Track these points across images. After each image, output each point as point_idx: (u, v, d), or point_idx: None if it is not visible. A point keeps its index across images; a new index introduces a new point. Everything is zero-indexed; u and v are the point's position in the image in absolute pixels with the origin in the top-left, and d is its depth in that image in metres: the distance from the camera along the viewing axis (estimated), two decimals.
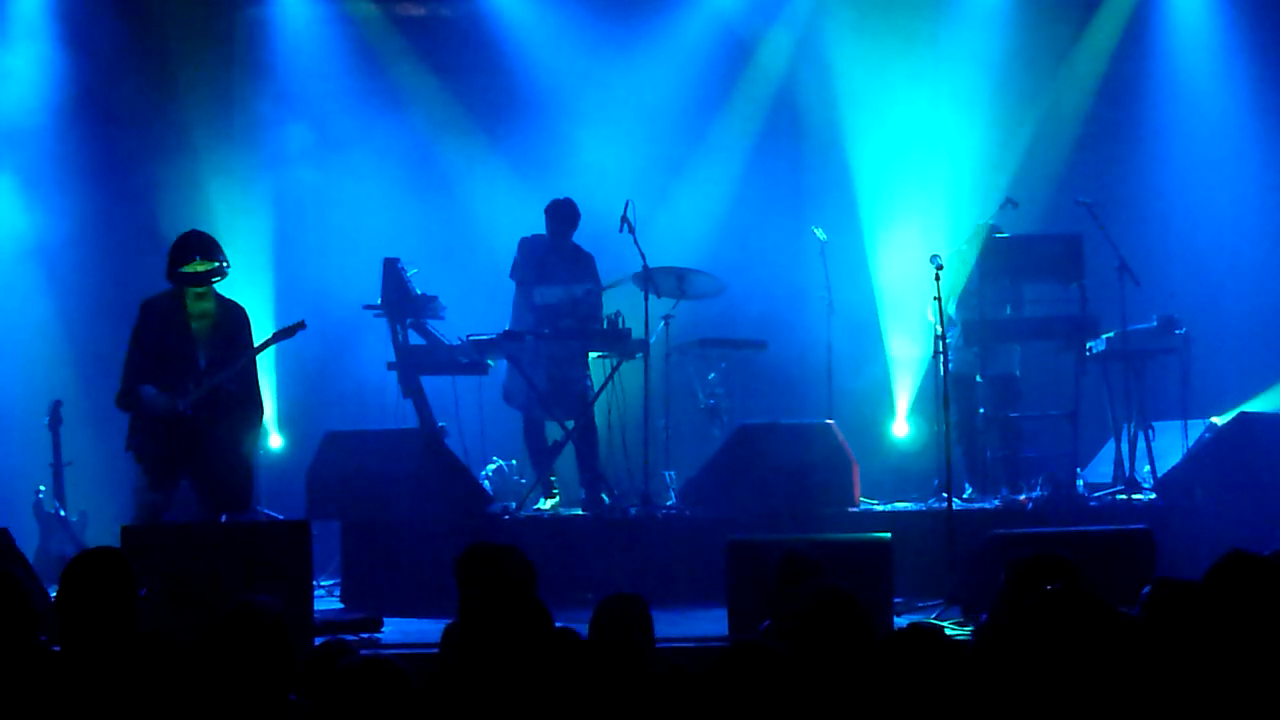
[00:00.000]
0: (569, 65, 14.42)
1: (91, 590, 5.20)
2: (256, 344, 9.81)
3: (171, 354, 9.59)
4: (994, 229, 11.82)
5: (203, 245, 9.64)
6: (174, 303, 9.69)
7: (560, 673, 4.70)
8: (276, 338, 9.92)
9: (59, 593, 5.27)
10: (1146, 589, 5.31)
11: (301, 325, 9.99)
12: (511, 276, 12.10)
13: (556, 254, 12.02)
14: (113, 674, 4.92)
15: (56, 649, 5.31)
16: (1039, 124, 14.03)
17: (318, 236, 14.17)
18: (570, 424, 11.76)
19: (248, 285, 13.36)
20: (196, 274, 9.59)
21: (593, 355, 11.85)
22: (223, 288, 9.81)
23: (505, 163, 14.23)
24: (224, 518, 9.53)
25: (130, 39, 13.87)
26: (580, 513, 11.54)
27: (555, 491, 11.94)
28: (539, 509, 11.67)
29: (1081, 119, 14.19)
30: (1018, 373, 12.04)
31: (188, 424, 9.49)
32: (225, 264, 9.68)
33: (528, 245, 12.09)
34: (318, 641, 7.34)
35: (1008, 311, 11.87)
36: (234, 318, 9.81)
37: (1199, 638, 4.90)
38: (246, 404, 9.73)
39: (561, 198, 12.14)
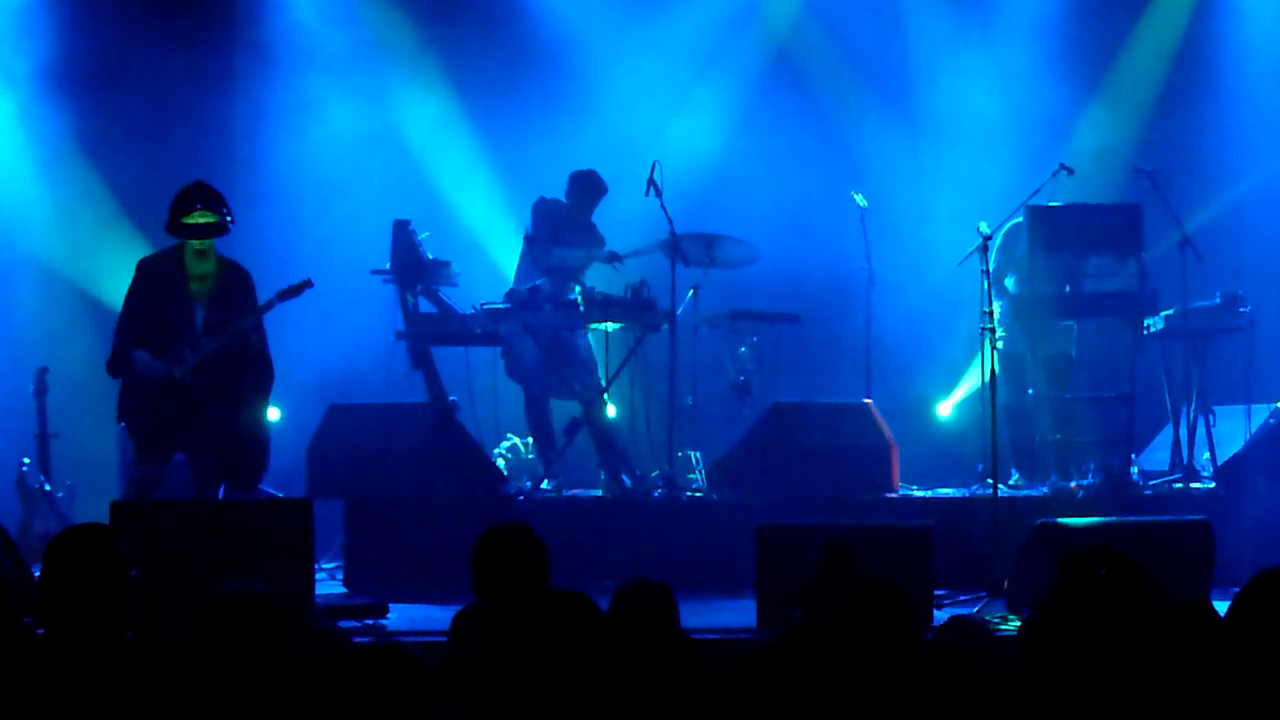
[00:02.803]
0: (589, 18, 14.36)
1: (79, 570, 5.16)
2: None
3: (167, 317, 9.47)
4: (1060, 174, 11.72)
5: (205, 196, 9.50)
6: (173, 262, 9.58)
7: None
8: (281, 298, 9.73)
9: (43, 572, 5.25)
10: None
11: (308, 284, 9.80)
12: (530, 239, 11.98)
13: (574, 225, 11.99)
14: (100, 659, 4.93)
15: (40, 631, 5.31)
16: (1097, 85, 13.95)
17: (322, 194, 14.11)
18: (583, 405, 11.73)
19: (248, 244, 13.41)
20: (197, 226, 9.45)
21: (613, 327, 11.80)
22: (226, 245, 9.73)
23: (521, 122, 14.14)
24: (221, 493, 9.45)
25: None
26: (600, 494, 11.55)
27: (556, 471, 11.84)
28: (544, 490, 11.61)
29: (1145, 82, 14.08)
30: (1074, 353, 11.98)
31: (184, 392, 9.38)
32: (229, 219, 9.56)
33: (546, 207, 12.02)
34: (317, 627, 7.35)
35: (1067, 288, 11.75)
36: (237, 280, 9.70)
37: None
38: (252, 370, 9.59)
39: (586, 169, 12.12)
